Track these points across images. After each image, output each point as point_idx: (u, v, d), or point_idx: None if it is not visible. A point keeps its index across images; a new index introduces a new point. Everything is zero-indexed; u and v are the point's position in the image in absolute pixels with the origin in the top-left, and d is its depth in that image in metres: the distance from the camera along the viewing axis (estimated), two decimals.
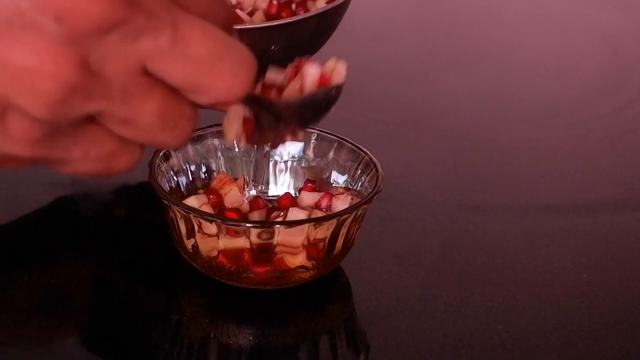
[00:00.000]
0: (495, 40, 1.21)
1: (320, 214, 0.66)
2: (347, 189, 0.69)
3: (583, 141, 0.93)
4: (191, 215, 0.63)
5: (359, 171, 0.70)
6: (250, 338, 0.63)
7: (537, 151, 0.91)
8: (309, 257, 0.64)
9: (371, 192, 0.66)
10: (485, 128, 0.95)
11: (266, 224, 0.64)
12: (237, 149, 0.71)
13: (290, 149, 0.72)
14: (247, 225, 0.63)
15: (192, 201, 0.66)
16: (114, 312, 0.64)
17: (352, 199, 0.68)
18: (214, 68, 0.40)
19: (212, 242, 0.63)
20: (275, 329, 0.64)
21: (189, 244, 0.64)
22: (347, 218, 0.64)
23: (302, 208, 0.67)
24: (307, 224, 0.63)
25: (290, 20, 0.78)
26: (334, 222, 0.63)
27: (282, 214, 0.67)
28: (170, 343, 0.63)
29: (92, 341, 0.61)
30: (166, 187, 0.66)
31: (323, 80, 0.55)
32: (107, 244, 0.71)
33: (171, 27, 0.38)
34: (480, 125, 0.95)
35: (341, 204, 0.67)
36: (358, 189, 0.69)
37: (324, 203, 0.67)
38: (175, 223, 0.64)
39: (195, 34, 0.39)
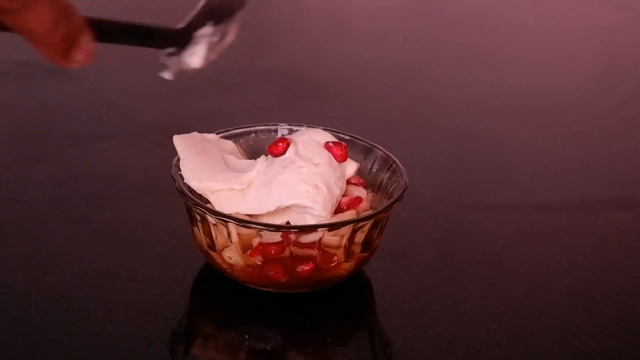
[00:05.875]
0: (493, 39, 1.21)
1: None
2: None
3: (579, 140, 0.93)
4: (230, 224, 0.62)
5: (375, 169, 0.70)
6: (253, 339, 0.63)
7: (534, 149, 0.91)
8: (346, 257, 0.64)
9: (397, 195, 0.65)
10: (482, 126, 0.95)
11: (305, 228, 0.63)
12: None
13: None
14: (285, 230, 0.62)
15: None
16: (124, 314, 0.64)
17: (372, 197, 0.68)
18: None
19: (249, 247, 0.63)
20: (275, 330, 0.63)
21: (225, 252, 0.64)
22: (382, 218, 0.64)
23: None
24: (351, 225, 0.63)
25: None
26: (370, 223, 0.64)
27: None
28: (185, 345, 0.62)
29: (102, 341, 0.61)
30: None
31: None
32: (106, 243, 0.71)
33: None
34: (477, 123, 0.95)
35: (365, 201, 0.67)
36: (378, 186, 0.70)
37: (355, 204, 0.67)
38: (206, 231, 0.64)
39: None
